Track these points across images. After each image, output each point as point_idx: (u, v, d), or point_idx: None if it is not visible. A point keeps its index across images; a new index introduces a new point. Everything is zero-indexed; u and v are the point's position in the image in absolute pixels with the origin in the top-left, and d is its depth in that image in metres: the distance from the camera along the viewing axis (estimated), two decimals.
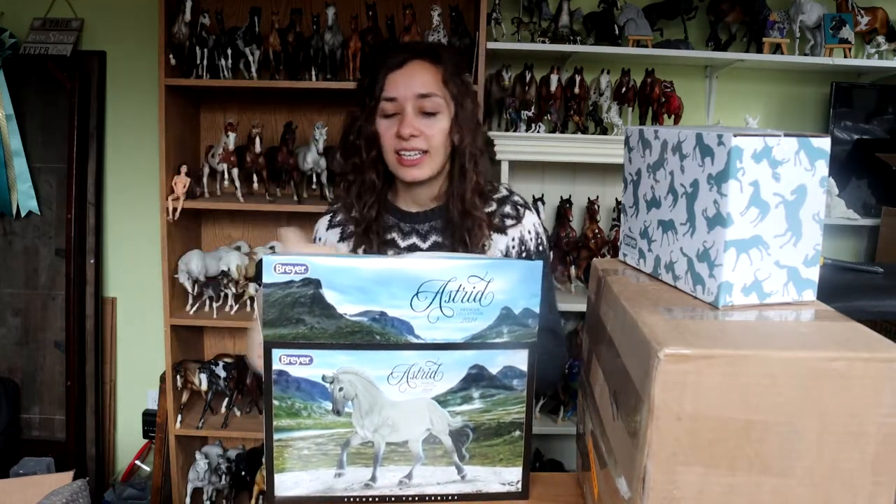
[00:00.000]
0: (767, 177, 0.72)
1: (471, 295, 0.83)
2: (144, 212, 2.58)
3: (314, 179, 2.28)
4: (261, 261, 0.80)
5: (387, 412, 0.85)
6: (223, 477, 2.35)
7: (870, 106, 2.57)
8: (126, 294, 2.68)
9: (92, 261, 2.57)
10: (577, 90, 2.36)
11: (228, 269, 2.28)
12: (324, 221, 1.33)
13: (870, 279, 1.49)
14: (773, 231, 0.74)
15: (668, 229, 0.83)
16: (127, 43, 2.52)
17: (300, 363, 0.83)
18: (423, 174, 1.20)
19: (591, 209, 2.40)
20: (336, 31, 2.22)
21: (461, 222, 1.22)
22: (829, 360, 0.61)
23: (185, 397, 2.39)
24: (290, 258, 0.80)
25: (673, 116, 2.37)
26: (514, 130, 2.32)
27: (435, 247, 1.26)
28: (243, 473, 2.38)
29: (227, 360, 2.37)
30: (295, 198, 2.31)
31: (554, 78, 2.34)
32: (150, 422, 2.58)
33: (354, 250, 1.25)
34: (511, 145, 2.24)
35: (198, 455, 2.34)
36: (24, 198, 2.54)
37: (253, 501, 2.30)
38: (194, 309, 2.35)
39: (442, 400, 0.86)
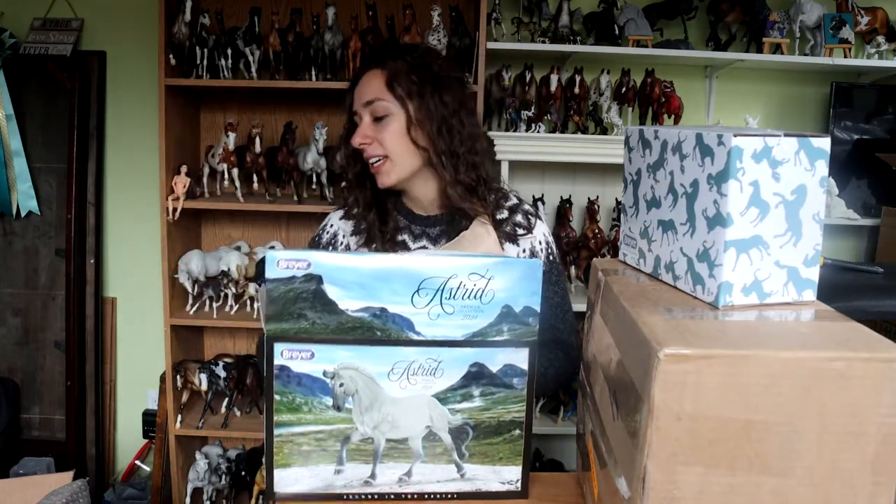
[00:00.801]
0: (767, 177, 0.72)
1: (471, 292, 0.83)
2: (144, 212, 2.58)
3: (314, 179, 2.28)
4: (261, 260, 0.81)
5: (387, 408, 0.85)
6: (223, 477, 2.35)
7: (870, 106, 2.57)
8: (126, 294, 2.68)
9: (92, 261, 2.57)
10: (577, 90, 2.36)
11: (228, 269, 2.28)
12: (337, 212, 1.33)
13: (870, 279, 1.49)
14: (773, 231, 0.74)
15: (668, 229, 0.83)
16: (127, 43, 2.53)
17: (301, 358, 0.83)
18: (390, 179, 1.21)
19: (591, 209, 2.40)
20: (336, 31, 2.22)
21: (458, 221, 1.23)
22: (829, 360, 0.61)
23: (185, 397, 2.39)
24: (293, 253, 0.81)
25: (673, 116, 2.37)
26: (514, 130, 2.32)
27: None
28: (243, 473, 2.38)
29: (227, 360, 2.37)
30: (295, 198, 2.31)
31: (554, 78, 2.34)
32: (150, 422, 2.58)
33: (366, 246, 1.27)
34: (511, 145, 2.24)
35: (198, 455, 2.34)
36: (24, 198, 2.53)
37: (253, 501, 2.31)
38: (194, 309, 2.35)
39: (442, 397, 0.86)
